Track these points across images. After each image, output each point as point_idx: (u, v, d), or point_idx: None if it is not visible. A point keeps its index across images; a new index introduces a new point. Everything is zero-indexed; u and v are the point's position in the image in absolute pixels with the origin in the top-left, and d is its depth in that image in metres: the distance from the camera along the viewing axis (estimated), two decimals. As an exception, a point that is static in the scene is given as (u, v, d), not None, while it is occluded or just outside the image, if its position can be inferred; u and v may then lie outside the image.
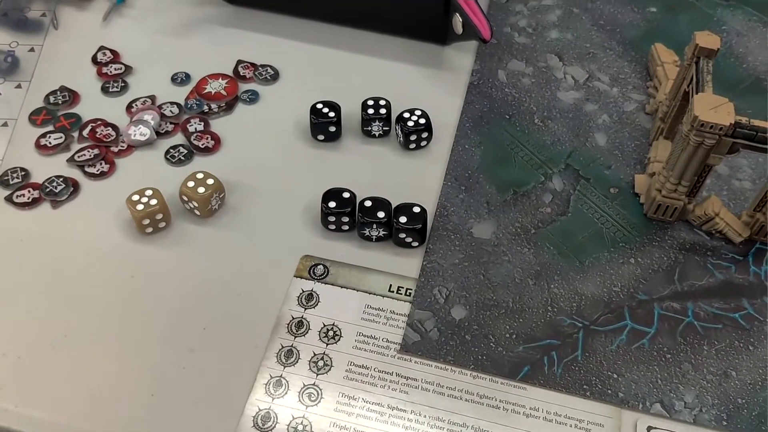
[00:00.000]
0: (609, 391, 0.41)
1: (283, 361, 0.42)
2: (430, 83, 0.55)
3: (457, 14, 0.52)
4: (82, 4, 0.59)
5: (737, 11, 0.60)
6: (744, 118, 0.42)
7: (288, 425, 0.40)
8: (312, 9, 0.57)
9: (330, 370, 0.42)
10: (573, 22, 0.58)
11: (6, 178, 0.49)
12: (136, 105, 0.53)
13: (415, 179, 0.50)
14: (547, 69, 0.55)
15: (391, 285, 0.45)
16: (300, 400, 0.41)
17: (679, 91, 0.48)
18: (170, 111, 0.52)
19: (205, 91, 0.53)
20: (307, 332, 0.43)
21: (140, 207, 0.46)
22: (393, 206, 0.46)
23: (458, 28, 0.52)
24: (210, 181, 0.47)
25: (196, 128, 0.52)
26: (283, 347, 0.42)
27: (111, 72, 0.55)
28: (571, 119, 0.53)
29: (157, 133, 0.51)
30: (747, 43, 0.57)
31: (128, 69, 0.55)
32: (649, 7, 0.60)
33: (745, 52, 0.57)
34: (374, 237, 0.46)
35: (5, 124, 0.52)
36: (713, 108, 0.42)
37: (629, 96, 0.54)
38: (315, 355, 0.42)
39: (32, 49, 0.55)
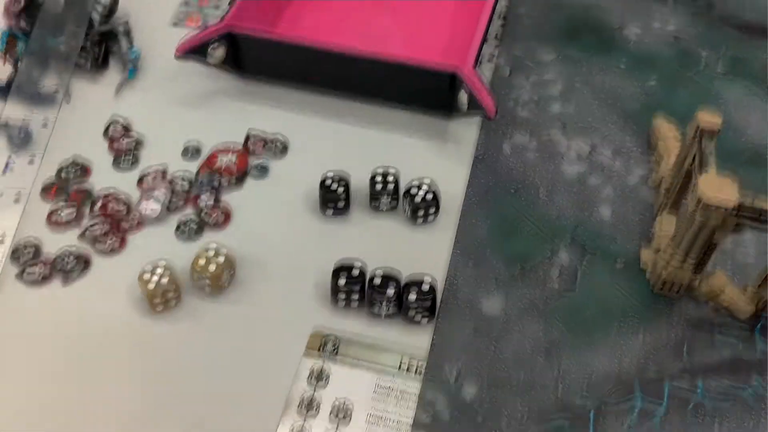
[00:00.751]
0: (621, 472, 0.41)
1: (295, 442, 0.42)
2: (437, 155, 0.56)
3: (463, 91, 0.53)
4: (95, 77, 0.60)
5: (735, 84, 0.61)
6: (748, 198, 0.43)
7: None
8: (322, 81, 0.59)
9: (341, 451, 0.42)
10: (574, 96, 0.60)
11: (17, 253, 0.49)
12: (148, 179, 0.53)
13: (424, 253, 0.50)
14: (550, 142, 0.57)
15: (401, 362, 0.45)
16: (311, 483, 0.41)
17: (682, 167, 0.49)
18: (181, 185, 0.53)
19: (216, 165, 0.54)
20: (318, 412, 0.43)
21: (151, 285, 0.46)
22: (402, 281, 0.47)
23: (464, 104, 0.54)
24: (221, 258, 0.47)
25: (206, 203, 0.52)
26: (294, 429, 0.42)
27: (123, 146, 0.55)
28: (575, 192, 0.54)
29: (168, 208, 0.52)
30: (746, 116, 0.59)
31: (139, 143, 0.56)
32: (648, 80, 0.61)
33: (744, 124, 0.58)
34: (383, 314, 0.47)
35: (17, 199, 0.52)
36: (718, 188, 0.43)
37: (631, 169, 0.55)
38: (326, 435, 0.42)
39: (45, 124, 0.56)
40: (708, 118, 0.46)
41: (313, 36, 0.62)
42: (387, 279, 0.46)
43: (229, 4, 0.66)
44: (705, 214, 0.43)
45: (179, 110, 0.58)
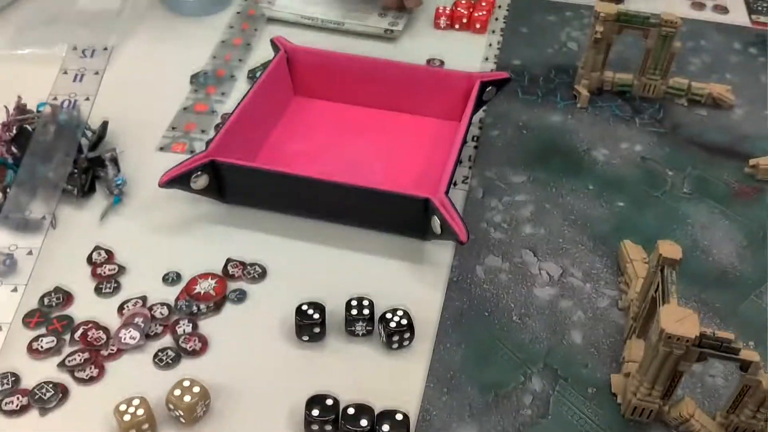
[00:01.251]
0: None
1: None
2: (412, 278, 0.58)
3: (436, 217, 0.55)
4: (81, 203, 0.62)
5: (700, 204, 0.63)
6: (709, 330, 0.44)
7: None
8: (302, 208, 0.61)
9: None
10: (545, 218, 0.62)
11: (-4, 384, 0.50)
12: (128, 306, 0.54)
13: (398, 380, 0.51)
14: (522, 264, 0.58)
15: (374, 495, 0.45)
16: None
17: (647, 295, 0.50)
18: (160, 312, 0.54)
19: (195, 291, 0.55)
20: None
21: (127, 417, 0.46)
22: (376, 412, 0.47)
23: (437, 229, 0.56)
24: (196, 389, 0.48)
25: (184, 330, 0.53)
26: None
27: (105, 273, 0.57)
28: (547, 316, 0.55)
29: (147, 336, 0.53)
30: (711, 236, 0.61)
31: (121, 269, 0.57)
32: (616, 201, 0.63)
33: (709, 244, 0.60)
34: (357, 445, 0.47)
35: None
36: (679, 320, 0.44)
37: (602, 291, 0.57)
38: None
39: (30, 252, 0.58)
40: (669, 249, 0.48)
41: (293, 162, 0.65)
42: (360, 410, 0.47)
43: (215, 130, 0.70)
44: (668, 345, 0.44)
45: (161, 237, 0.60)
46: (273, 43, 0.72)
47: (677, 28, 0.69)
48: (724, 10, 0.88)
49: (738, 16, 0.87)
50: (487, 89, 0.68)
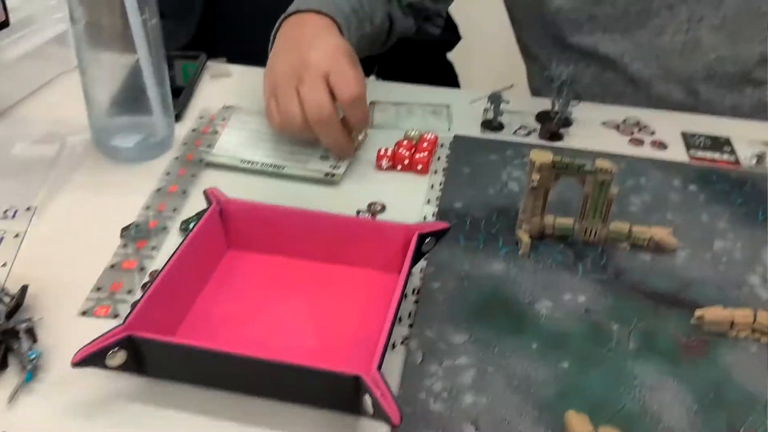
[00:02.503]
0: None
1: None
2: (347, 457, 0.54)
3: (368, 395, 0.52)
4: (-9, 380, 0.58)
5: (648, 362, 0.61)
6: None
7: None
8: (227, 384, 0.57)
9: None
10: (488, 384, 0.59)
11: None
12: (30, 508, 0.50)
13: None
14: (463, 440, 0.55)
15: None
16: None
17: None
18: None
19: (107, 486, 0.51)
20: None
21: None
22: None
23: (369, 409, 0.52)
24: None
25: None
26: None
27: (8, 466, 0.52)
28: (490, 501, 0.51)
29: None
30: (660, 399, 0.58)
31: (27, 460, 0.53)
32: (561, 361, 0.61)
33: (659, 409, 0.57)
34: None
35: None
36: None
37: (548, 470, 0.53)
38: None
39: (-74, 445, 0.53)
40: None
41: (220, 329, 0.62)
42: None
43: (142, 290, 0.66)
44: None
45: (75, 420, 0.56)
46: (206, 195, 0.70)
47: (612, 175, 0.69)
48: (662, 146, 0.89)
49: (676, 152, 0.88)
50: (426, 240, 0.66)
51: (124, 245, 0.71)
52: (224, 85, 1.00)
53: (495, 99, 0.90)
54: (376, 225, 0.69)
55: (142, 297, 0.58)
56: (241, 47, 1.03)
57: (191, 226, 0.72)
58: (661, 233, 0.73)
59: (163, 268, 0.61)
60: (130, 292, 0.66)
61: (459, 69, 1.55)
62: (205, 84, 1.00)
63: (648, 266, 0.71)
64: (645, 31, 1.03)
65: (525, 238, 0.72)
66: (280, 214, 0.69)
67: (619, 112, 0.97)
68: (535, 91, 1.20)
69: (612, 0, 1.01)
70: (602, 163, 0.69)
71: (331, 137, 0.80)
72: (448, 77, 1.56)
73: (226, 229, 0.70)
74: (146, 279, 0.68)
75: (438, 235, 0.67)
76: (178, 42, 1.40)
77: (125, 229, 0.73)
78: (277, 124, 0.82)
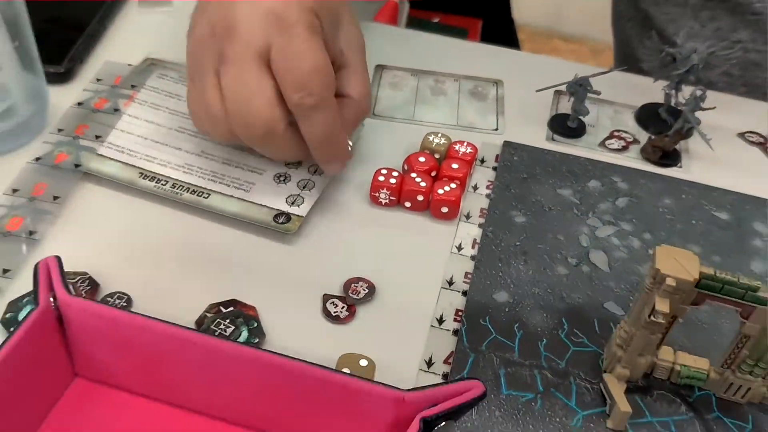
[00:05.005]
0: None
1: None
2: None
3: None
4: None
5: None
6: None
7: None
8: None
9: None
10: None
11: None
12: None
13: None
14: None
15: None
16: None
17: None
18: None
19: None
20: None
21: None
22: None
23: None
24: None
25: None
26: None
27: None
28: None
29: None
30: None
31: None
32: None
33: None
34: None
35: None
36: None
37: None
38: None
39: None
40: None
41: None
42: None
43: None
44: None
45: None
46: (35, 274, 0.37)
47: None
48: None
49: None
50: (437, 427, 0.34)
51: None
52: (157, 21, 0.64)
53: (577, 89, 0.55)
54: (341, 385, 0.35)
55: None
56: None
57: (22, 317, 0.41)
58: None
59: None
60: None
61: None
62: (128, 16, 0.64)
63: None
64: None
65: (621, 399, 0.39)
66: (159, 337, 0.36)
67: (766, 114, 0.61)
68: (633, 61, 0.81)
69: None
70: (794, 290, 0.36)
71: (274, 151, 0.46)
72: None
73: (70, 345, 0.38)
74: None
75: (459, 413, 0.35)
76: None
77: None
78: (194, 123, 0.48)
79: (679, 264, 0.36)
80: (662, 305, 0.35)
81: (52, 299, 0.36)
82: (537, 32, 2.12)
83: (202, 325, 0.41)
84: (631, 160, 0.55)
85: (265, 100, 0.42)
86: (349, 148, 0.47)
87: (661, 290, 0.35)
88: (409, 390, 0.34)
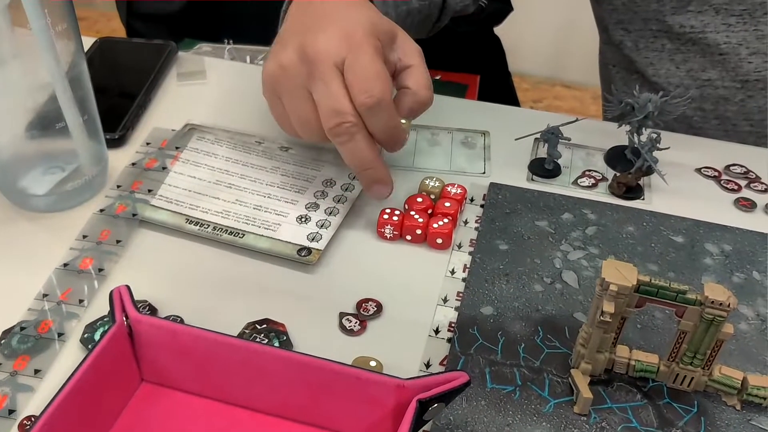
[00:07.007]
0: None
1: None
2: None
3: None
4: None
5: None
6: None
7: None
8: None
9: None
10: None
11: None
12: None
13: None
14: None
15: None
16: None
17: None
18: None
19: None
20: None
21: None
22: None
23: None
24: None
25: None
26: None
27: None
28: None
29: None
30: None
31: None
32: None
33: None
34: None
35: None
36: None
37: None
38: None
39: None
40: None
41: None
42: None
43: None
44: None
45: None
46: (111, 300, 0.48)
47: (729, 311, 0.44)
48: (789, 218, 0.63)
49: (810, 229, 0.62)
50: (431, 408, 0.43)
51: (-1, 363, 0.49)
52: (194, 91, 0.76)
53: (550, 137, 0.65)
54: (354, 377, 0.45)
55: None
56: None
57: (97, 337, 0.50)
58: (795, 390, 0.48)
59: (42, 413, 0.40)
60: (-11, 449, 0.45)
61: (508, 44, 1.28)
62: (169, 89, 0.76)
63: (771, 442, 0.47)
64: None
65: (585, 388, 0.48)
66: (210, 344, 0.46)
67: (720, 151, 0.71)
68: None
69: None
70: (715, 292, 0.44)
71: (353, 148, 0.56)
72: (493, 56, 1.29)
73: (138, 355, 0.48)
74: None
75: (449, 397, 0.44)
76: (172, 7, 1.16)
77: (6, 335, 0.51)
78: (292, 134, 0.60)
79: (621, 273, 0.45)
80: (608, 307, 0.44)
81: (124, 318, 0.46)
82: (539, 81, 2.23)
83: (241, 339, 0.51)
84: (600, 194, 0.65)
85: (348, 107, 0.54)
86: (407, 135, 0.59)
87: (607, 295, 0.45)
88: (408, 379, 0.43)
